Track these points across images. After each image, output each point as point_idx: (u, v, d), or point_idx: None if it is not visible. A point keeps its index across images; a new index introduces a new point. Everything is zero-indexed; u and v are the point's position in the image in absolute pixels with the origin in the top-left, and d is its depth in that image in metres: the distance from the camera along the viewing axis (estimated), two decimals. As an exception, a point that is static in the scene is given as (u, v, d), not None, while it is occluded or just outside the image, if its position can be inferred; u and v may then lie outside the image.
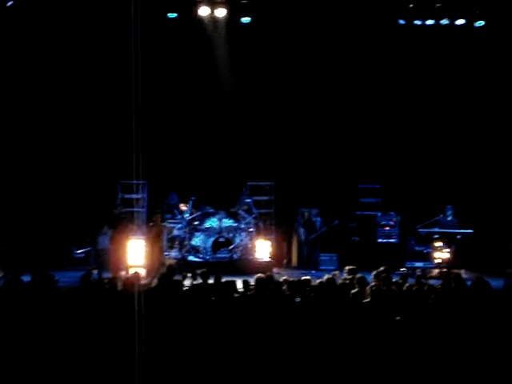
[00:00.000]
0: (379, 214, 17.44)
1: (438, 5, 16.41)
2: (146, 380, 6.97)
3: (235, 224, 16.49)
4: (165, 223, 15.59)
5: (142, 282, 10.75)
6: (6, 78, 16.55)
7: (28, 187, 16.82)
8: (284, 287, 8.96)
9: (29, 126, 16.98)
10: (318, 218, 16.71)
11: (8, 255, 15.02)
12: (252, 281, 9.27)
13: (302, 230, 17.04)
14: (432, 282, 10.24)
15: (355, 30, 17.02)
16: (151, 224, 15.37)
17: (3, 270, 12.56)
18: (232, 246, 16.16)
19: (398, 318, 7.75)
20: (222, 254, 16.06)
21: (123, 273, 14.52)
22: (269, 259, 16.38)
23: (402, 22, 16.78)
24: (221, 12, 16.51)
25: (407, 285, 9.32)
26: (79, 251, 16.14)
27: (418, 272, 14.54)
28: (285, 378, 7.03)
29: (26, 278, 9.42)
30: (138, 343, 7.30)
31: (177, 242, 16.42)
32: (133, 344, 7.28)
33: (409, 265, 15.85)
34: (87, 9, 16.07)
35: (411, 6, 16.47)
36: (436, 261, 15.56)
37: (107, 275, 12.64)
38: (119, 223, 15.14)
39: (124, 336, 7.38)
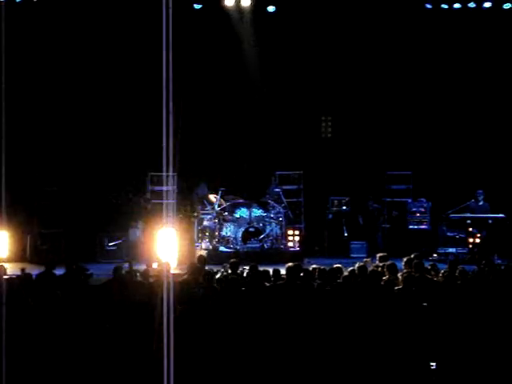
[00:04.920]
0: (410, 200, 17.34)
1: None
2: (180, 372, 7.03)
3: (265, 214, 16.48)
4: (195, 214, 15.65)
5: (174, 273, 10.81)
6: (45, 71, 16.88)
7: (60, 181, 16.99)
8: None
9: (60, 120, 17.15)
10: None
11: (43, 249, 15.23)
12: (283, 270, 9.27)
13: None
14: (465, 267, 10.13)
15: (382, 15, 16.91)
16: (181, 216, 15.46)
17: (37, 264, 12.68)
18: (262, 236, 16.16)
19: (425, 303, 7.71)
20: (253, 244, 16.06)
21: (155, 265, 14.63)
22: (299, 248, 16.38)
23: (428, 6, 16.64)
24: (246, 1, 16.51)
25: (441, 271, 9.27)
26: (111, 244, 16.26)
27: (451, 258, 14.48)
28: (318, 366, 7.03)
29: (60, 272, 9.55)
30: (170, 335, 7.36)
31: (207, 233, 16.48)
32: (166, 336, 7.34)
33: (441, 251, 15.75)
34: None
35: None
36: (468, 246, 15.44)
37: (139, 267, 12.73)
38: (150, 215, 15.23)
39: (157, 328, 7.44)
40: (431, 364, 7.01)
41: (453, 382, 6.95)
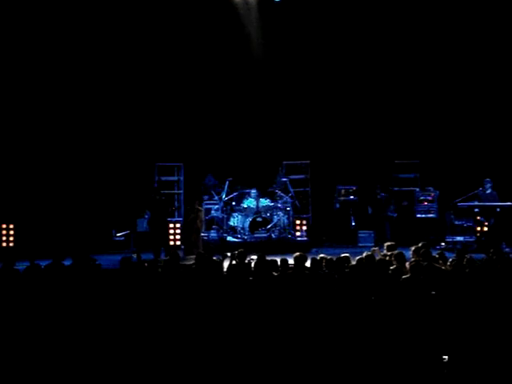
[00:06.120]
0: (417, 189, 17.32)
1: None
2: (187, 359, 7.05)
3: (272, 203, 16.50)
4: (202, 207, 15.70)
5: (181, 263, 10.83)
6: (51, 66, 16.92)
7: (67, 172, 17.04)
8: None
9: (69, 113, 17.20)
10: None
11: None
12: (290, 260, 9.28)
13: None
14: (473, 255, 10.11)
15: (389, 4, 16.87)
16: (189, 207, 15.46)
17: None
18: (270, 226, 16.18)
19: (433, 292, 7.71)
20: (260, 234, 16.08)
21: (163, 255, 14.67)
22: (306, 238, 16.39)
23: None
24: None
25: (449, 260, 9.25)
26: (119, 234, 16.31)
27: (459, 246, 14.45)
28: (326, 355, 7.04)
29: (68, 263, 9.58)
30: (180, 323, 7.38)
31: (215, 223, 16.51)
32: (175, 324, 7.37)
33: (449, 239, 15.74)
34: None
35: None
36: (476, 234, 15.41)
37: (147, 257, 12.76)
38: (158, 206, 15.25)
39: (166, 316, 7.46)
40: (443, 357, 6.99)
41: (461, 370, 6.96)
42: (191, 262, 10.41)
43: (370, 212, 16.63)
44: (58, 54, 16.94)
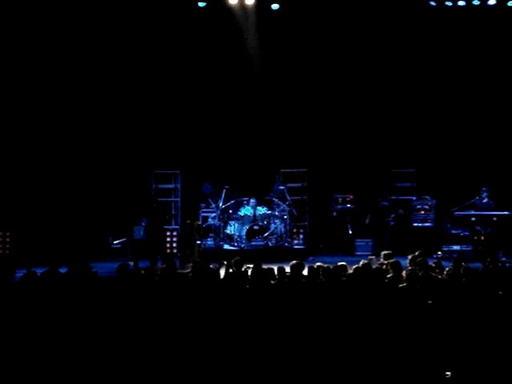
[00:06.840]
0: (414, 198, 17.33)
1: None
2: (184, 366, 7.04)
3: (269, 211, 16.50)
4: (199, 223, 15.76)
5: (178, 271, 10.82)
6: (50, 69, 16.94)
7: (64, 179, 17.02)
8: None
9: (66, 121, 17.19)
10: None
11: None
12: (287, 268, 9.27)
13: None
14: (469, 264, 10.11)
15: (386, 13, 16.91)
16: (188, 221, 15.38)
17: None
18: (267, 234, 16.17)
19: (429, 301, 7.71)
20: (257, 242, 16.06)
21: (160, 262, 14.65)
22: (303, 246, 16.38)
23: (433, 3, 16.62)
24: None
25: (446, 269, 9.26)
26: (116, 242, 16.29)
27: (455, 255, 14.46)
28: (323, 363, 7.03)
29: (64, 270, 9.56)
30: (176, 331, 7.38)
31: (211, 231, 16.50)
32: (172, 332, 7.36)
33: (445, 248, 15.74)
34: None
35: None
36: (472, 244, 15.42)
37: (144, 265, 12.75)
38: (155, 213, 15.25)
39: (162, 324, 7.45)
40: (446, 373, 6.98)
41: (456, 378, 6.96)
42: (187, 271, 10.40)
43: (367, 221, 16.62)
44: (55, 64, 16.93)
